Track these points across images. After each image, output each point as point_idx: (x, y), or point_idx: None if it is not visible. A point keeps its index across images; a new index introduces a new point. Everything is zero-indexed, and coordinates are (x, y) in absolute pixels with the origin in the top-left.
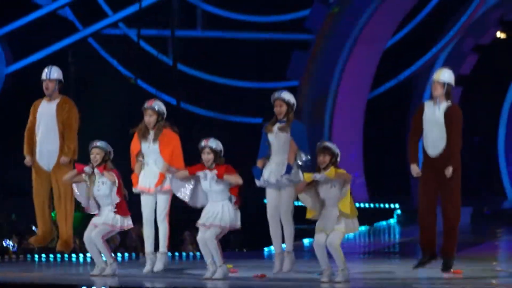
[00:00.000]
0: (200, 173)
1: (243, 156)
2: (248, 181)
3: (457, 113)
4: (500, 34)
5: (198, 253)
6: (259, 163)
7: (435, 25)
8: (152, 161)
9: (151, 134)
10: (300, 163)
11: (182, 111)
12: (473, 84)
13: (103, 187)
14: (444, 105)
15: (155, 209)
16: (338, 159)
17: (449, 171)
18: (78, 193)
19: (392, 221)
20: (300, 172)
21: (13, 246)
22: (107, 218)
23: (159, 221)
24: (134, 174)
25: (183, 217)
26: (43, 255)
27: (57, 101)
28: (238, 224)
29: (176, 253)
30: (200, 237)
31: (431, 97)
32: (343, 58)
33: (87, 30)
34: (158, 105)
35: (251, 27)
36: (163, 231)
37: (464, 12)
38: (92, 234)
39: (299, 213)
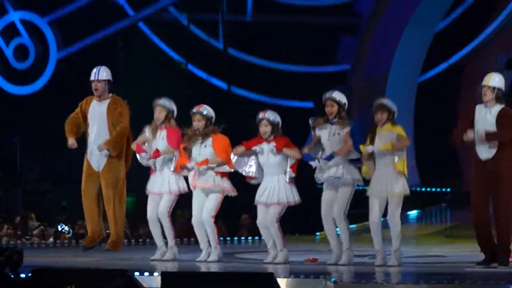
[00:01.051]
0: (256, 148)
1: (293, 139)
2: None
3: (508, 114)
4: None
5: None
6: (306, 149)
7: (486, 7)
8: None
9: (200, 139)
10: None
11: (233, 96)
12: None
13: (162, 142)
14: (495, 108)
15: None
16: (396, 115)
17: (482, 135)
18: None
19: (443, 204)
20: (353, 168)
21: (68, 232)
22: (170, 184)
23: (205, 219)
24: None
25: (240, 200)
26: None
27: (107, 101)
28: (297, 199)
29: (235, 238)
30: (260, 220)
31: (483, 101)
32: (393, 41)
33: (137, 15)
34: (207, 110)
35: (301, 11)
36: (211, 229)
37: None
38: (159, 211)
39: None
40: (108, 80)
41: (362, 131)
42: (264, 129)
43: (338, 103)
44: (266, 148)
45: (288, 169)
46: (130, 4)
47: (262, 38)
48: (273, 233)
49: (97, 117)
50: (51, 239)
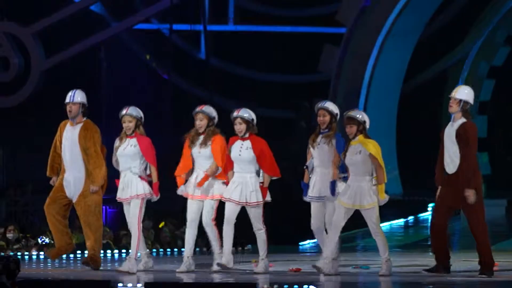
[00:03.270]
0: (232, 146)
1: (274, 149)
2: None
3: (468, 130)
4: None
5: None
6: (305, 178)
7: (468, 18)
8: (200, 165)
9: (201, 138)
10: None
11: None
12: (505, 76)
13: (130, 148)
14: (458, 122)
15: (200, 213)
16: (367, 125)
17: (469, 197)
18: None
19: (426, 214)
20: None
21: (49, 244)
22: (137, 189)
23: (206, 225)
24: (179, 178)
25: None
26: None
27: (79, 125)
28: (268, 198)
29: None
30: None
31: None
32: (375, 51)
33: (120, 25)
34: (209, 110)
35: (283, 21)
36: (213, 234)
37: (497, 4)
38: (129, 219)
39: None
40: (83, 104)
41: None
42: (239, 127)
43: (331, 113)
44: (239, 145)
45: (257, 168)
46: (112, 14)
47: (244, 48)
48: (258, 238)
49: (70, 142)
50: (34, 251)
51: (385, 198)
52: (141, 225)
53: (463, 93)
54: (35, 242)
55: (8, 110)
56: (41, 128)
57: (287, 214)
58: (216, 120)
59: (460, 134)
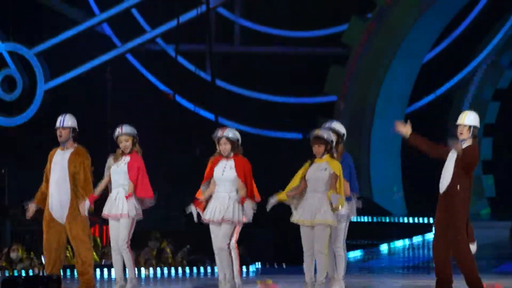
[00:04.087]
0: (216, 166)
1: (279, 170)
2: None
3: (469, 152)
4: None
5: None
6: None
7: (473, 40)
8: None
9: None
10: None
11: (220, 127)
12: (511, 98)
13: (125, 166)
14: (465, 145)
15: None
16: (334, 145)
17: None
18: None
19: (431, 235)
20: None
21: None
22: (124, 206)
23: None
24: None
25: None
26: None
27: (70, 151)
28: (248, 217)
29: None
30: (216, 242)
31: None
32: (381, 73)
33: (125, 46)
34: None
35: (288, 42)
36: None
37: (502, 26)
38: (119, 242)
39: None
40: (73, 128)
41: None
42: (224, 146)
43: (337, 134)
44: (223, 165)
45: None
46: (118, 35)
47: (250, 69)
48: (221, 258)
49: (58, 166)
50: (37, 271)
51: (344, 207)
52: (129, 243)
53: (471, 119)
54: (40, 262)
55: (12, 129)
56: (45, 147)
57: (293, 233)
58: (240, 141)
59: (462, 155)
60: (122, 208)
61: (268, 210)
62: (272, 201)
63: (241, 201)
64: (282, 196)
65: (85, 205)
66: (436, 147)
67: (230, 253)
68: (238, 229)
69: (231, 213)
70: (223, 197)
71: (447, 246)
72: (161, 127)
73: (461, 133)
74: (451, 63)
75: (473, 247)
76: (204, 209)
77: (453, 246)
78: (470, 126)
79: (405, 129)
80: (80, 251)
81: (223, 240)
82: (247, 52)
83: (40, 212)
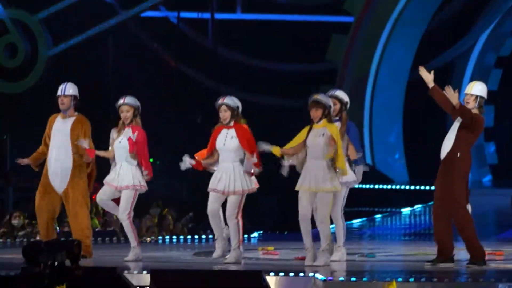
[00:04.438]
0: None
1: (280, 138)
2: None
3: (473, 120)
4: None
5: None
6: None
7: (475, 7)
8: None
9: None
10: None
11: (221, 94)
12: None
13: (126, 140)
14: None
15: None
16: (332, 110)
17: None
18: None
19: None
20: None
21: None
22: (133, 179)
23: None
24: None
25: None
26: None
27: (72, 119)
28: (254, 186)
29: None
30: (211, 209)
31: None
32: (382, 40)
33: (127, 13)
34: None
35: (290, 10)
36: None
37: None
38: (119, 213)
39: None
40: (74, 96)
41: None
42: (224, 114)
43: (341, 101)
44: (224, 134)
45: (248, 162)
46: (119, 2)
47: (252, 36)
48: (230, 227)
49: (60, 134)
50: (38, 237)
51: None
52: (132, 213)
53: (478, 89)
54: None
55: (14, 96)
56: (48, 114)
57: (295, 201)
58: (239, 109)
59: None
60: (126, 180)
61: (285, 173)
62: (285, 163)
63: (257, 166)
64: (277, 150)
65: (84, 142)
66: (451, 103)
67: (238, 223)
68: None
69: (240, 185)
70: (228, 168)
71: (446, 213)
72: (162, 95)
73: (467, 102)
74: (453, 31)
75: (468, 210)
76: (199, 166)
77: (452, 214)
78: (477, 96)
79: (430, 77)
80: (78, 218)
81: (231, 211)
82: (249, 19)
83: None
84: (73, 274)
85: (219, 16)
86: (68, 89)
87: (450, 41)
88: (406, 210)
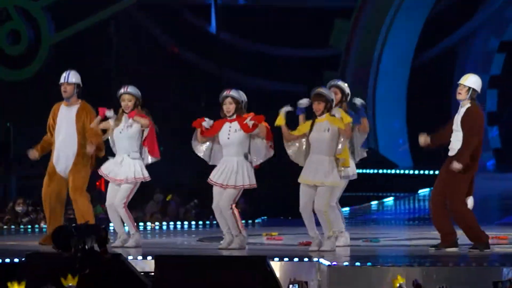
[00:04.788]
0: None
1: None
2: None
3: (473, 114)
4: None
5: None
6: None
7: None
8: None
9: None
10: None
11: (224, 80)
12: None
13: (130, 129)
14: (465, 107)
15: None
16: (334, 103)
17: (454, 167)
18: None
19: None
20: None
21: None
22: (134, 172)
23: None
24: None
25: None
26: None
27: (76, 106)
28: (253, 182)
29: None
30: (215, 205)
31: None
32: (385, 26)
33: None
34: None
35: None
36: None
37: None
38: (116, 201)
39: None
40: (77, 84)
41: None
42: (228, 106)
43: (342, 91)
44: (227, 128)
45: (246, 151)
46: None
47: (254, 22)
48: (227, 217)
49: (65, 121)
50: (43, 224)
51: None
52: (126, 203)
53: (472, 81)
54: (44, 215)
55: (17, 84)
56: (50, 102)
57: (299, 186)
58: (244, 102)
59: (465, 119)
60: (127, 173)
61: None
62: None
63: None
64: (281, 121)
65: (92, 148)
66: (446, 134)
67: (233, 213)
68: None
69: (241, 180)
70: (231, 161)
71: (445, 201)
72: (165, 80)
73: (459, 93)
74: (455, 16)
75: (470, 202)
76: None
77: (451, 209)
78: (469, 88)
79: (425, 141)
80: (79, 204)
81: (226, 202)
82: (251, 4)
83: (44, 163)
84: (103, 258)
85: (221, 1)
86: (71, 77)
87: (453, 26)
88: (409, 195)
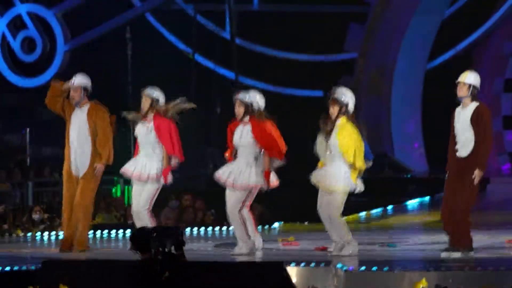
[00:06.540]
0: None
1: (299, 128)
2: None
3: (484, 113)
4: None
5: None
6: None
7: None
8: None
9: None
10: None
11: (240, 85)
12: None
13: (150, 134)
14: (471, 106)
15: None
16: (350, 107)
17: (477, 177)
18: None
19: None
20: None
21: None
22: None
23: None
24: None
25: None
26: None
27: (86, 107)
28: (260, 183)
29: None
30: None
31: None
32: (400, 29)
33: (144, 5)
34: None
35: (308, 0)
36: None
37: None
38: (139, 208)
39: None
40: (84, 87)
41: (369, 121)
42: (237, 109)
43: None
44: (240, 130)
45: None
46: None
47: (269, 27)
48: (233, 222)
49: (78, 123)
50: (60, 231)
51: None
52: (150, 209)
53: (471, 78)
54: (61, 222)
55: (32, 91)
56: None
57: (316, 192)
58: (253, 105)
59: (476, 119)
60: (149, 169)
61: None
62: None
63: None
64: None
65: (100, 169)
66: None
67: (241, 218)
68: (254, 192)
69: (247, 180)
70: (241, 162)
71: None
72: (180, 86)
73: (459, 91)
74: (470, 19)
75: None
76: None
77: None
78: (469, 85)
79: (479, 174)
80: (80, 228)
81: (234, 205)
82: (266, 10)
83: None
84: (180, 261)
85: (236, 7)
86: (76, 81)
87: (467, 30)
88: (425, 199)
